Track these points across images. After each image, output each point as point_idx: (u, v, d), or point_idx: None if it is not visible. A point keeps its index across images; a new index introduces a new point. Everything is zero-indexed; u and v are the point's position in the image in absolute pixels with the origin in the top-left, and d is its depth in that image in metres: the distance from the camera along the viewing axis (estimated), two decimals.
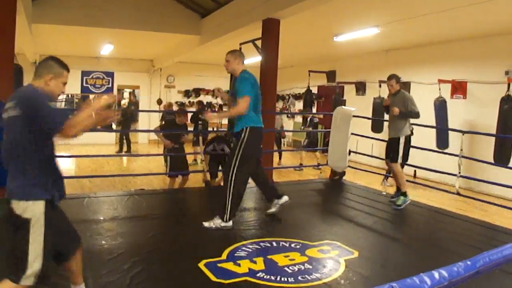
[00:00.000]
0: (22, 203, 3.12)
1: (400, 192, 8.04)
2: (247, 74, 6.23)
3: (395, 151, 7.94)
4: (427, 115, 12.53)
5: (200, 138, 11.33)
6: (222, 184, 9.21)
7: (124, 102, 24.85)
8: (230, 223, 6.21)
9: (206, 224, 6.19)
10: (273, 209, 6.80)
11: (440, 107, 12.42)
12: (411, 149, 8.49)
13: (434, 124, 12.14)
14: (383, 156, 8.45)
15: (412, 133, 8.12)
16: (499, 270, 4.75)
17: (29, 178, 3.16)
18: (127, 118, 18.32)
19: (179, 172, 9.68)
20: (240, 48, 10.59)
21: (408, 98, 7.92)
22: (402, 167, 8.47)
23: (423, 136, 12.10)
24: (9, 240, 3.23)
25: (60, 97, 21.78)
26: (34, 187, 3.17)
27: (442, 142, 11.97)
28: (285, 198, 6.80)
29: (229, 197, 6.14)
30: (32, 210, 3.13)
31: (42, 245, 3.15)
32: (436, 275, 1.83)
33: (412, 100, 7.92)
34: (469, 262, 2.02)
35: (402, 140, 7.93)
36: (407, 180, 8.11)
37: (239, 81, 6.17)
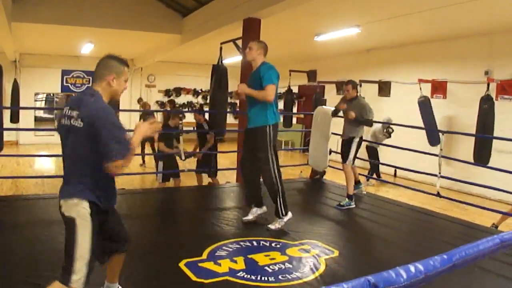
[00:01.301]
0: (69, 201, 3.13)
1: (347, 195, 8.05)
2: (271, 65, 6.18)
3: (347, 152, 8.06)
4: (408, 115, 12.64)
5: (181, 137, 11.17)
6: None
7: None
8: (290, 213, 6.29)
9: (272, 227, 6.19)
10: (250, 217, 6.58)
11: (424, 106, 12.47)
12: (391, 148, 8.51)
13: (415, 124, 12.19)
14: (363, 157, 8.47)
15: (390, 136, 8.17)
16: (478, 268, 4.81)
17: (81, 182, 3.16)
18: None
19: (170, 174, 9.58)
20: (221, 48, 10.56)
21: (363, 106, 8.03)
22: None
23: (403, 135, 12.20)
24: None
25: (40, 96, 21.65)
26: (83, 190, 3.16)
27: (433, 139, 11.99)
28: (264, 209, 6.64)
29: (279, 195, 6.18)
30: (77, 210, 3.12)
31: (88, 246, 3.14)
32: (412, 268, 1.84)
33: (367, 107, 8.05)
34: (445, 256, 2.03)
35: (356, 142, 8.05)
36: (387, 181, 8.14)
37: (265, 70, 6.07)
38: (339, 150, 8.43)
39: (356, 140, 8.02)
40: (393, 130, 12.52)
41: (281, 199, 6.18)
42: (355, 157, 8.13)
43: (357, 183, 8.74)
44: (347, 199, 7.97)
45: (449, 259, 2.03)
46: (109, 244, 3.53)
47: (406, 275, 1.79)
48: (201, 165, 9.91)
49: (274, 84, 5.98)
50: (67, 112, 3.16)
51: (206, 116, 10.36)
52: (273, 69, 6.11)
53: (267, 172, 6.14)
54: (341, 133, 8.36)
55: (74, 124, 3.08)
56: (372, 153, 12.58)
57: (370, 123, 8.14)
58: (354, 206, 7.94)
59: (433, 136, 11.90)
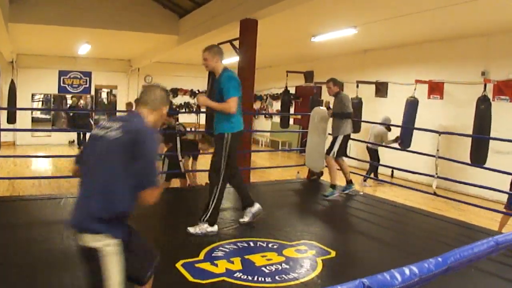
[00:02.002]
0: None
1: (330, 184, 8.50)
2: (232, 73, 6.10)
3: (331, 147, 8.42)
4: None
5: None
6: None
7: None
8: (216, 228, 6.06)
9: (191, 230, 5.98)
10: (246, 219, 6.50)
11: (411, 106, 12.49)
12: (388, 149, 8.56)
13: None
14: (360, 157, 8.54)
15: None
16: (474, 268, 4.82)
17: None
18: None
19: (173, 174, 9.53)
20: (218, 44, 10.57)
21: (342, 99, 8.37)
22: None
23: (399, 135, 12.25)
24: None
25: (37, 97, 21.64)
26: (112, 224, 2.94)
27: (405, 141, 12.11)
28: (257, 207, 6.52)
29: (212, 202, 6.02)
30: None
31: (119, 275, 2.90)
32: (407, 271, 1.85)
33: (345, 101, 8.36)
34: (440, 259, 2.04)
35: (340, 138, 8.38)
36: (384, 180, 8.16)
37: (225, 81, 5.94)
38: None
39: (341, 137, 8.36)
40: (390, 130, 12.58)
41: (213, 207, 6.02)
42: (340, 151, 8.46)
43: (349, 182, 8.81)
44: (330, 188, 8.38)
45: (444, 261, 2.04)
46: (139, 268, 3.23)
47: (401, 277, 1.80)
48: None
49: (236, 97, 5.93)
50: (106, 126, 2.98)
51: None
52: (234, 79, 6.02)
53: (214, 178, 6.07)
54: None
55: (109, 135, 2.91)
56: (373, 155, 12.63)
57: (347, 115, 8.34)
58: (337, 195, 8.35)
59: (406, 138, 12.05)
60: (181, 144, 9.20)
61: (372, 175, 12.49)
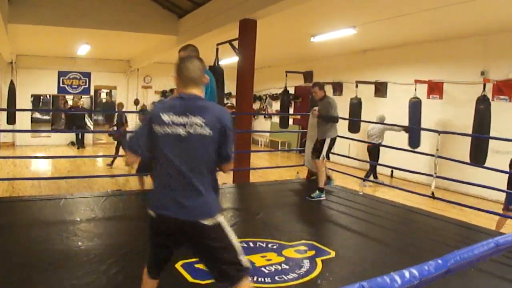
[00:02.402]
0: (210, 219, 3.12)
1: (318, 187, 8.42)
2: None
3: (319, 151, 8.36)
4: (404, 115, 12.66)
5: None
6: None
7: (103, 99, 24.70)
8: None
9: None
10: None
11: (415, 107, 12.51)
12: (388, 149, 8.57)
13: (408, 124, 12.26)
14: (360, 157, 8.54)
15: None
16: (474, 269, 4.82)
17: (209, 193, 3.17)
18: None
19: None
20: (217, 49, 10.58)
21: (329, 104, 8.35)
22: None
23: (399, 135, 12.26)
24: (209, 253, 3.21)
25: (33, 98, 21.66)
26: (216, 202, 3.23)
27: (414, 141, 12.09)
28: None
29: None
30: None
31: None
32: (407, 274, 1.84)
33: (332, 105, 8.33)
34: (440, 261, 2.04)
35: (327, 141, 8.33)
36: (382, 183, 8.16)
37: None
38: (335, 151, 8.59)
39: (328, 140, 8.34)
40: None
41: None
42: (327, 154, 8.53)
43: (329, 178, 9.09)
44: (318, 191, 8.32)
45: (444, 264, 2.03)
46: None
47: (400, 280, 1.80)
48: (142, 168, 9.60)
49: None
50: (188, 120, 3.07)
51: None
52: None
53: None
54: (339, 134, 8.53)
55: (201, 132, 3.05)
56: (374, 153, 12.63)
57: (334, 119, 8.31)
58: (324, 198, 8.31)
59: (415, 138, 12.01)
60: None
61: (371, 177, 12.52)
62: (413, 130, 12.17)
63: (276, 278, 4.61)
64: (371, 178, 12.56)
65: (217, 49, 10.75)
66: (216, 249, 3.13)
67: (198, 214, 3.07)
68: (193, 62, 3.27)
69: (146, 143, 3.20)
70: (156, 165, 3.20)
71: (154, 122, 3.12)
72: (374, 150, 12.70)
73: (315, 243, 5.77)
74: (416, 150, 10.04)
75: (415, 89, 12.55)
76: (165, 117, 3.09)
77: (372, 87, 15.31)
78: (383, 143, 12.26)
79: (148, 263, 3.54)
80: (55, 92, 21.43)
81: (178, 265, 4.75)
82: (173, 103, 3.19)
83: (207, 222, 3.07)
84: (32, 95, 20.84)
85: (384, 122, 12.29)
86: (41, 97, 21.96)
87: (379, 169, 13.17)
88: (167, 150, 3.09)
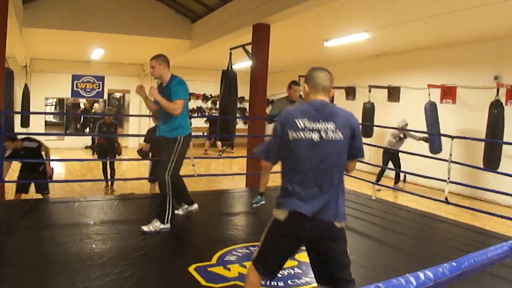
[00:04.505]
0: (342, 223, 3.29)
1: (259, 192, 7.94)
2: (181, 79, 6.23)
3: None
4: (417, 120, 12.60)
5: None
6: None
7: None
8: (169, 226, 6.19)
9: (145, 228, 6.06)
10: (180, 212, 6.84)
11: (431, 111, 12.41)
12: (401, 153, 8.48)
13: (425, 129, 12.17)
14: (373, 161, 8.45)
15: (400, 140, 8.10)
16: (486, 273, 4.80)
17: (343, 198, 3.32)
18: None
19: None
20: (230, 53, 10.61)
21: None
22: None
23: (413, 140, 12.21)
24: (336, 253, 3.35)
25: (50, 101, 21.78)
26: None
27: (436, 148, 11.96)
28: (195, 206, 6.82)
29: (168, 199, 6.16)
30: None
31: None
32: (422, 276, 1.85)
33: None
34: (454, 263, 2.04)
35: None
36: (387, 186, 8.09)
37: (175, 85, 6.10)
38: None
39: None
40: (405, 136, 12.44)
41: (169, 205, 6.18)
42: None
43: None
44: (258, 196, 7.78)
45: (458, 266, 2.04)
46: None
47: (415, 282, 1.80)
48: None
49: (183, 100, 6.08)
50: (318, 126, 3.22)
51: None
52: (183, 84, 6.19)
53: (161, 176, 6.18)
54: None
55: (333, 137, 3.20)
56: (393, 159, 12.45)
57: (269, 118, 7.82)
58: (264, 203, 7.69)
59: (436, 143, 11.87)
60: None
61: (392, 182, 12.46)
62: (433, 137, 12.02)
63: (289, 282, 4.62)
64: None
65: (230, 54, 10.77)
66: (342, 252, 3.33)
67: (332, 216, 3.21)
68: (323, 71, 3.47)
69: (276, 150, 3.39)
70: (287, 168, 3.34)
71: (288, 128, 3.26)
72: (392, 156, 12.51)
73: None
74: (430, 155, 9.98)
75: (429, 94, 12.48)
76: (300, 123, 3.23)
77: (385, 91, 15.27)
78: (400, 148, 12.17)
79: (263, 267, 3.49)
80: (69, 95, 21.54)
81: (191, 269, 4.77)
82: (306, 109, 3.33)
83: (339, 224, 3.24)
84: (54, 98, 20.93)
85: (402, 127, 12.16)
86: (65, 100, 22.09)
87: (390, 173, 13.12)
88: (300, 155, 3.22)
